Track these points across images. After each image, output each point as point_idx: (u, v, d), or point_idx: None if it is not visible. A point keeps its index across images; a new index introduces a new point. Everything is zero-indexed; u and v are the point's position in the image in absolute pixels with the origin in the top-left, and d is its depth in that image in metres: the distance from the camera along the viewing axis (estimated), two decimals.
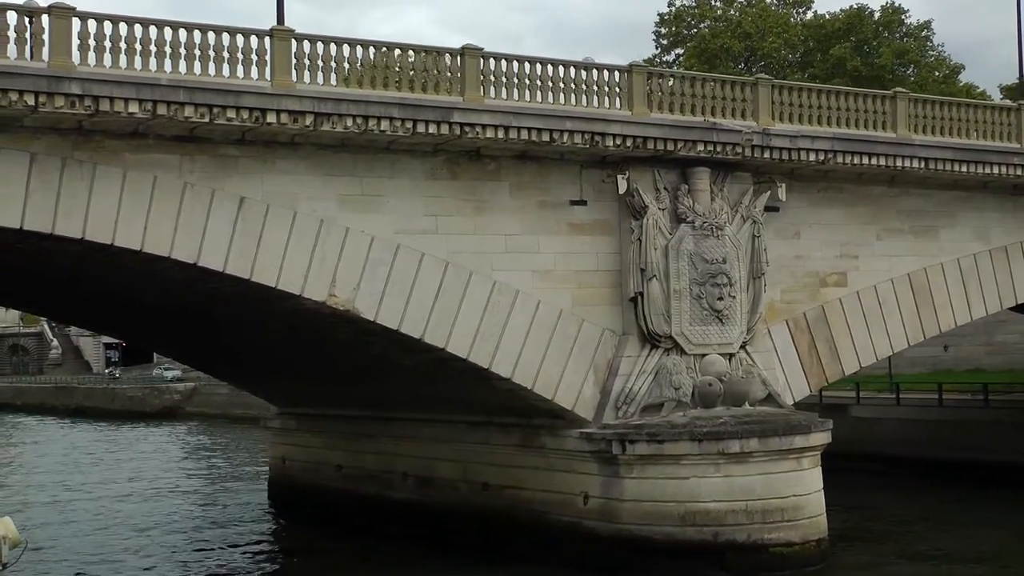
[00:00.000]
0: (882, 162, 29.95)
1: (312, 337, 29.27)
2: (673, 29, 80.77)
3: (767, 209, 29.22)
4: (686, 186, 28.06)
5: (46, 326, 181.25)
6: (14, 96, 21.74)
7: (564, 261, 27.59)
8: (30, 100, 21.85)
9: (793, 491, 26.49)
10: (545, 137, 26.15)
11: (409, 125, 24.89)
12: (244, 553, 33.50)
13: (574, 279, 27.68)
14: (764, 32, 76.04)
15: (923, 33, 77.61)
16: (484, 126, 25.53)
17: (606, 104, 27.30)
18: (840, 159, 29.37)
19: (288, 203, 25.00)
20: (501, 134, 25.71)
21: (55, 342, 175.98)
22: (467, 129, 25.40)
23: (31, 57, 22.23)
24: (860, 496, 36.87)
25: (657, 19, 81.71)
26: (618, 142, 26.86)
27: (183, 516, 40.02)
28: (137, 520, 39.31)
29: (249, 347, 33.18)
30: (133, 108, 22.61)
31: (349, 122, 24.36)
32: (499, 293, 26.75)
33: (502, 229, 26.98)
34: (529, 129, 25.95)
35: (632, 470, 26.50)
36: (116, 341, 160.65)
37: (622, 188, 27.48)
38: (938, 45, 78.51)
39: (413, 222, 26.14)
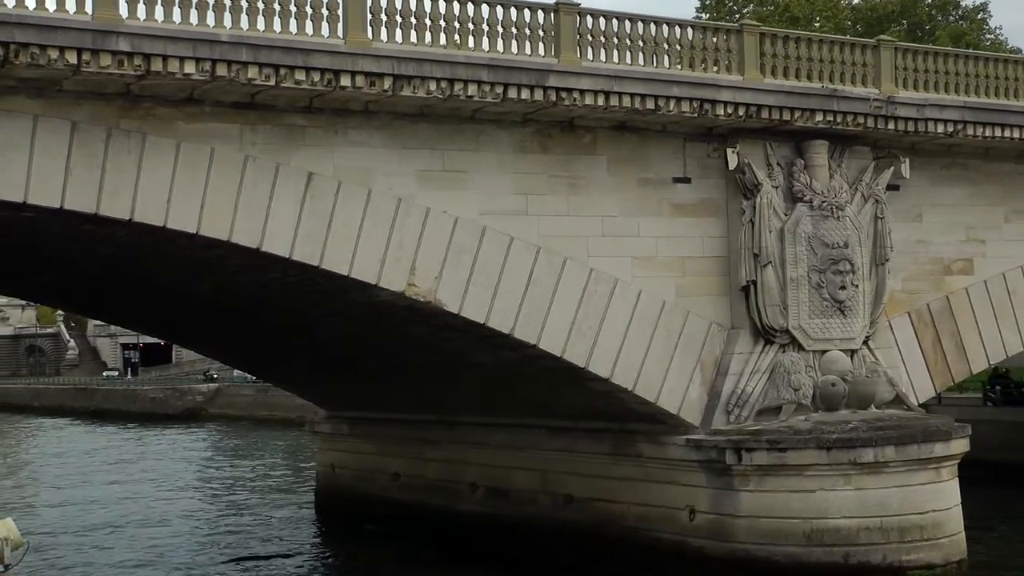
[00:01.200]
0: (1015, 134, 26.72)
1: (378, 334, 26.26)
2: (715, 15, 77.59)
3: (887, 188, 26.10)
4: (801, 161, 24.93)
5: (63, 326, 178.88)
6: (53, 54, 18.69)
7: (667, 246, 24.49)
8: (71, 58, 18.79)
9: (932, 506, 23.37)
10: (649, 105, 23.04)
11: (499, 90, 21.79)
12: (294, 570, 30.56)
13: (678, 266, 24.57)
14: (812, 16, 72.87)
15: (979, 16, 74.45)
16: (582, 91, 22.42)
17: (713, 69, 24.15)
18: (970, 131, 26.17)
19: (362, 179, 21.95)
20: (601, 101, 22.60)
21: (72, 343, 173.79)
22: (563, 95, 22.31)
23: (74, 8, 19.22)
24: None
25: (698, 4, 78.58)
26: (729, 111, 23.73)
27: (222, 528, 37.00)
28: (168, 532, 36.38)
29: (302, 345, 30.10)
30: (189, 68, 19.56)
31: (432, 86, 21.29)
32: (596, 282, 23.66)
33: (599, 209, 23.90)
34: (632, 96, 22.84)
35: (749, 482, 23.38)
36: (134, 341, 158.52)
37: (732, 163, 24.37)
38: (995, 28, 75.43)
39: (500, 201, 23.08)
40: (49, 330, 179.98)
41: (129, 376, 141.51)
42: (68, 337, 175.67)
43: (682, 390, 24.28)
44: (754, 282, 24.45)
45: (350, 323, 25.96)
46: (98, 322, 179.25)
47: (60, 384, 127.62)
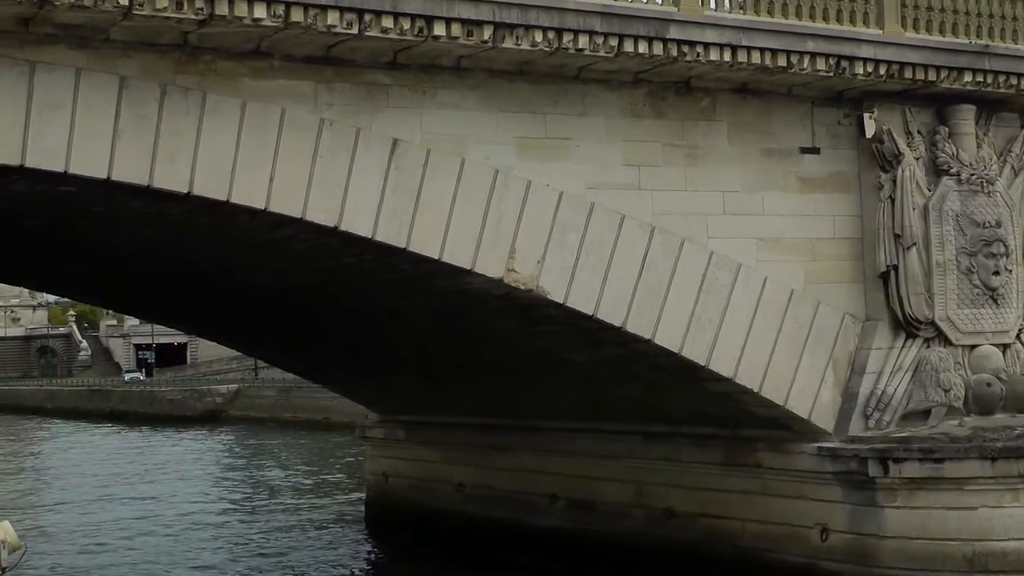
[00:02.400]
0: None
1: (459, 329, 23.18)
2: None
3: None
4: (945, 129, 21.81)
5: (75, 327, 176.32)
6: None
7: (794, 226, 21.37)
8: None
9: None
10: (780, 62, 19.90)
11: (613, 42, 18.67)
12: None
13: (807, 249, 21.44)
14: None
15: None
16: (706, 45, 19.29)
17: (848, 21, 20.98)
18: None
19: (454, 147, 18.86)
20: (727, 56, 19.48)
21: (84, 343, 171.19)
22: (684, 50, 19.20)
23: None
24: None
25: None
26: (868, 70, 20.58)
27: (261, 544, 34.00)
28: (196, 550, 33.47)
29: (367, 342, 27.00)
30: (259, 12, 16.43)
31: (538, 36, 18.18)
32: (717, 267, 20.55)
33: (719, 184, 20.79)
34: (761, 51, 19.72)
35: (896, 497, 20.21)
36: (148, 342, 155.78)
37: (870, 131, 21.24)
38: None
39: (610, 174, 19.98)
40: (61, 331, 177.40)
41: (143, 377, 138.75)
42: (80, 338, 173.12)
43: (813, 391, 21.15)
44: (895, 267, 21.32)
45: (428, 316, 22.88)
46: (111, 322, 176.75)
47: (74, 385, 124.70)
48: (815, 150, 21.44)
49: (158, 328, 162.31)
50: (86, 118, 16.53)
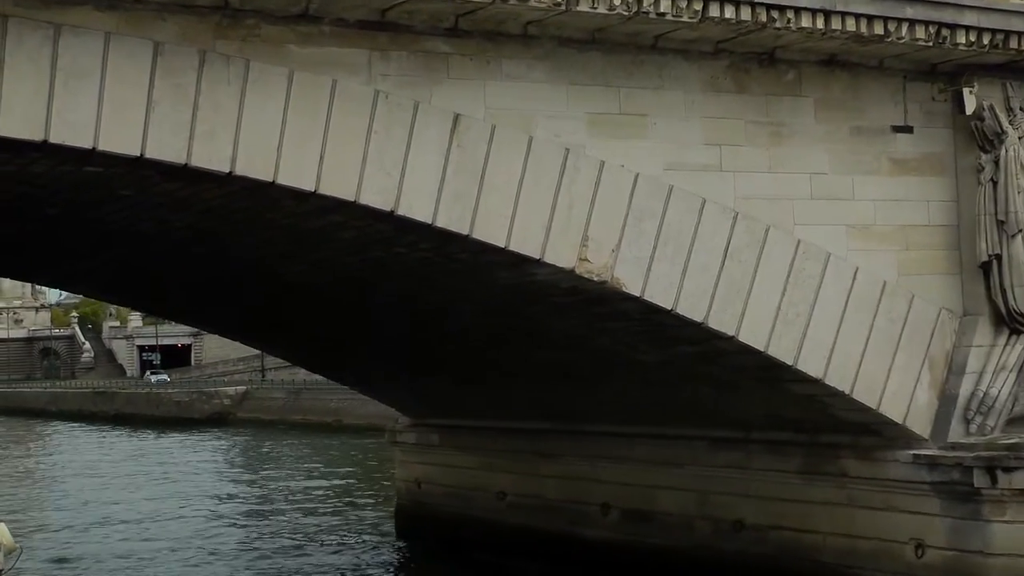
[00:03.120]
0: None
1: (515, 326, 21.32)
2: None
3: None
4: None
5: (77, 328, 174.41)
6: None
7: (885, 212, 19.49)
8: None
9: None
10: (877, 29, 18.02)
11: (697, 7, 16.80)
12: None
13: (899, 237, 19.56)
14: None
15: None
16: (797, 10, 17.42)
17: None
18: None
19: (521, 124, 16.99)
20: (820, 23, 17.61)
21: (87, 345, 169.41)
22: (774, 15, 17.33)
23: None
24: None
25: None
26: (971, 38, 18.71)
27: (285, 551, 32.21)
28: (212, 555, 31.72)
29: (399, 342, 25.11)
30: None
31: (617, 0, 16.33)
32: (805, 257, 18.66)
33: (806, 165, 18.91)
34: (857, 17, 17.83)
35: (1005, 511, 18.32)
36: (152, 343, 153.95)
37: (970, 107, 19.34)
38: None
39: (689, 154, 18.11)
40: (64, 332, 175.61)
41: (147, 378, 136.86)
42: (83, 339, 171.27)
43: (907, 393, 19.27)
44: (997, 256, 19.43)
45: (480, 314, 21.03)
46: (114, 323, 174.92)
47: (78, 387, 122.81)
48: (908, 129, 19.56)
49: (162, 329, 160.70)
50: (116, 88, 14.69)
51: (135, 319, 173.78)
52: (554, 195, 17.01)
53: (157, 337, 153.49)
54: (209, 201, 17.10)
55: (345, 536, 34.02)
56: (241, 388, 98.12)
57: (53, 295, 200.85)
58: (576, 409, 25.41)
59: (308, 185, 15.69)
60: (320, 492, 45.04)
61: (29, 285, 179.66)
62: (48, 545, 34.95)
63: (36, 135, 14.36)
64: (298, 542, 33.53)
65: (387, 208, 16.10)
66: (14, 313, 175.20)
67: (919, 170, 19.71)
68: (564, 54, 17.28)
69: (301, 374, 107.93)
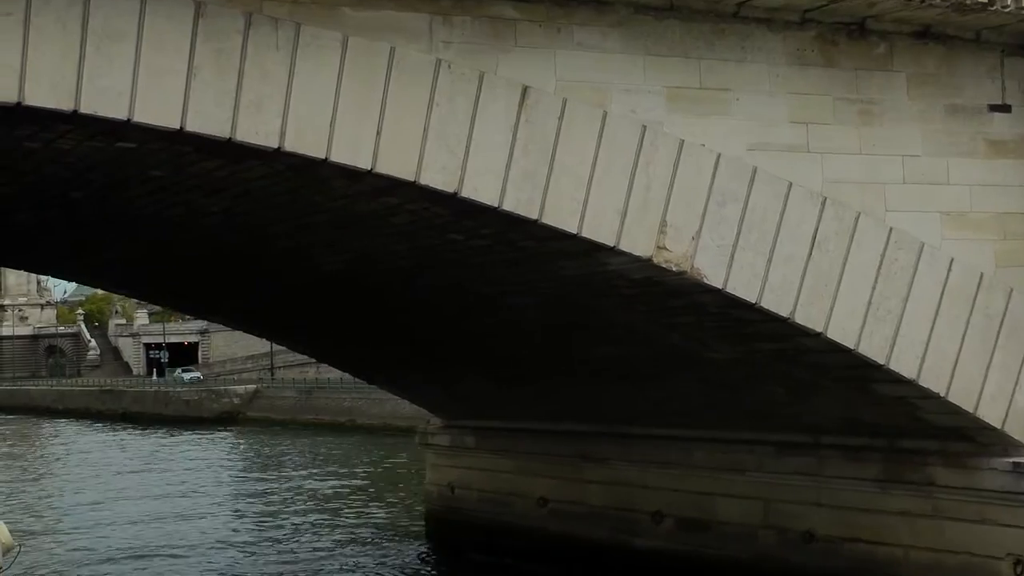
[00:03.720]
0: None
1: (576, 320, 19.72)
2: None
3: None
4: None
5: (83, 326, 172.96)
6: None
7: (982, 198, 17.90)
8: None
9: None
10: None
11: None
12: None
13: (996, 226, 17.96)
14: None
15: None
16: None
17: None
18: None
19: (594, 97, 15.46)
20: None
21: (93, 342, 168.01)
22: None
23: None
24: None
25: None
26: None
27: (307, 558, 30.69)
28: (231, 561, 30.21)
29: (441, 339, 23.54)
30: None
31: None
32: (897, 247, 17.06)
33: (899, 146, 17.31)
34: None
35: None
36: (159, 341, 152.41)
37: None
38: None
39: (774, 133, 16.54)
40: (69, 330, 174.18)
41: (154, 377, 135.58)
42: (89, 337, 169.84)
43: (1007, 396, 17.67)
44: None
45: (536, 307, 19.44)
46: (120, 321, 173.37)
47: (85, 385, 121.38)
48: (1006, 108, 17.98)
49: (169, 327, 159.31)
50: (154, 53, 13.18)
51: (141, 316, 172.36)
52: (630, 176, 15.47)
53: (164, 335, 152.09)
54: (249, 183, 15.57)
55: (371, 541, 32.49)
56: (251, 387, 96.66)
57: (59, 292, 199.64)
58: (627, 411, 23.89)
59: (364, 163, 14.16)
60: (342, 494, 43.53)
61: (35, 282, 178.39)
62: (51, 545, 34.07)
63: (65, 104, 12.86)
64: (323, 546, 32.04)
65: (450, 189, 14.56)
66: (19, 310, 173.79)
67: (1018, 152, 18.13)
68: (640, 22, 15.75)
69: (311, 372, 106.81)
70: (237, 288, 23.70)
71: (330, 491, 44.51)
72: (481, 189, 14.72)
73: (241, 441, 73.22)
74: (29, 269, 26.41)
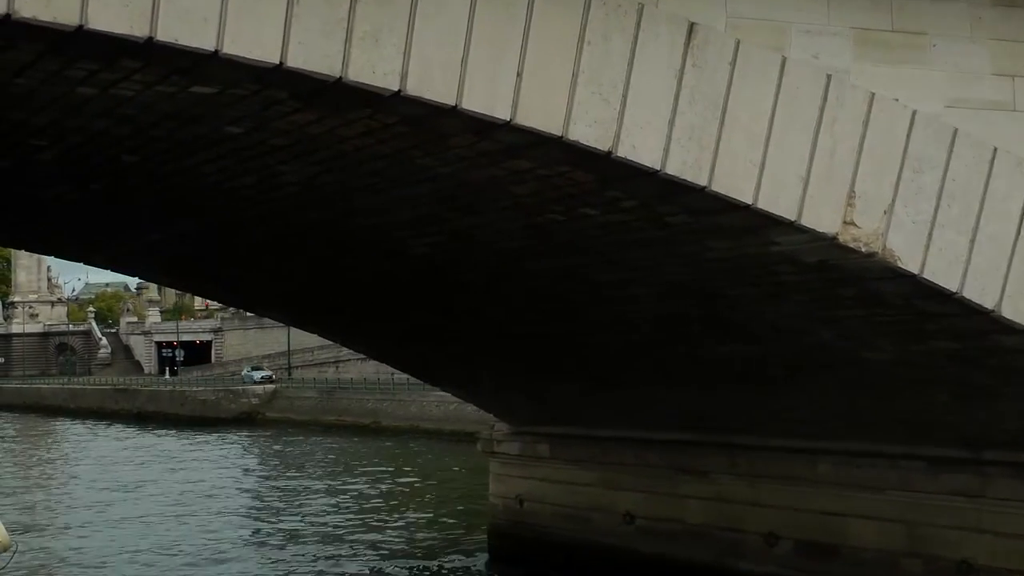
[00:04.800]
0: None
1: (697, 313, 16.91)
2: None
3: None
4: None
5: (94, 324, 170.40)
6: None
7: None
8: None
9: None
10: None
11: None
12: None
13: None
14: None
15: None
16: None
17: None
18: None
19: (771, 39, 12.68)
20: None
21: (104, 340, 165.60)
22: None
23: None
24: None
25: None
26: None
27: (362, 569, 28.01)
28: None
29: (537, 332, 20.71)
30: None
31: None
32: None
33: None
34: None
35: None
36: (171, 339, 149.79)
37: None
38: None
39: (975, 87, 13.73)
40: (80, 328, 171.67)
41: (167, 376, 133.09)
42: (100, 335, 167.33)
43: None
44: None
45: (661, 298, 16.61)
46: (132, 319, 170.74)
47: (99, 384, 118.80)
48: None
49: (182, 325, 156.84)
50: None
51: (153, 314, 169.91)
52: (813, 137, 12.68)
53: (178, 333, 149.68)
54: (344, 143, 12.76)
55: (427, 557, 29.68)
56: (269, 386, 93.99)
57: (69, 289, 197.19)
58: (737, 418, 21.10)
59: (502, 113, 11.38)
60: (387, 502, 40.75)
61: (45, 279, 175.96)
62: (54, 545, 32.75)
63: (138, 29, 10.10)
64: (379, 561, 29.28)
65: (603, 147, 11.77)
66: (29, 308, 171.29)
67: None
68: None
69: (330, 372, 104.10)
70: (298, 278, 20.87)
71: (377, 499, 41.71)
72: (640, 148, 11.93)
73: (262, 443, 70.52)
74: (57, 254, 23.64)
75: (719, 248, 14.01)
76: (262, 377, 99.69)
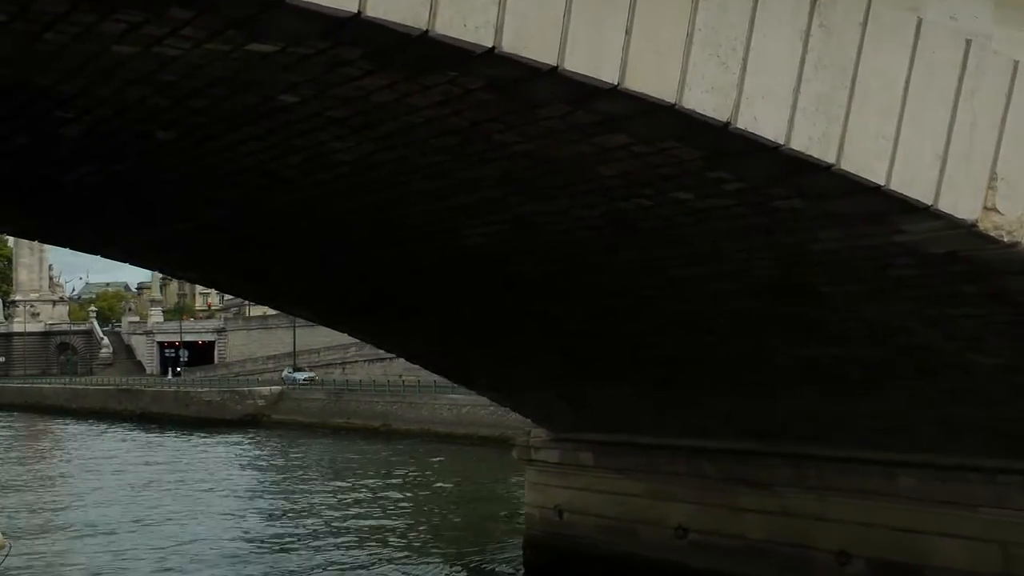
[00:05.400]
0: None
1: (787, 312, 15.36)
2: None
3: None
4: None
5: (95, 323, 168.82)
6: None
7: None
8: None
9: None
10: None
11: None
12: None
13: None
14: None
15: None
16: None
17: None
18: None
19: (903, 1, 11.16)
20: None
21: (105, 340, 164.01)
22: None
23: None
24: None
25: None
26: None
27: None
28: None
29: (598, 332, 19.13)
30: None
31: None
32: None
33: None
34: None
35: None
36: (174, 339, 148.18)
37: None
38: None
39: None
40: (81, 327, 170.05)
41: (170, 376, 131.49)
42: (101, 335, 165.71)
43: None
44: None
45: (749, 295, 15.04)
46: (134, 319, 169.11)
47: (102, 384, 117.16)
48: None
49: (185, 325, 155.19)
50: None
51: (156, 314, 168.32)
52: (952, 109, 11.14)
53: (181, 333, 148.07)
54: (414, 114, 11.19)
55: (460, 569, 28.15)
56: (276, 388, 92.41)
57: (70, 288, 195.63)
58: (806, 426, 19.56)
59: (609, 76, 9.82)
60: (410, 510, 39.18)
61: (47, 278, 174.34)
62: (54, 547, 32.16)
63: None
64: (409, 567, 27.81)
65: (721, 118, 10.22)
66: (31, 306, 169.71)
67: None
68: None
69: (337, 373, 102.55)
70: (334, 272, 19.28)
71: (398, 506, 40.14)
72: (762, 119, 10.38)
73: (268, 445, 68.97)
74: (72, 246, 22.06)
75: (828, 238, 12.47)
76: (306, 379, 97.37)
